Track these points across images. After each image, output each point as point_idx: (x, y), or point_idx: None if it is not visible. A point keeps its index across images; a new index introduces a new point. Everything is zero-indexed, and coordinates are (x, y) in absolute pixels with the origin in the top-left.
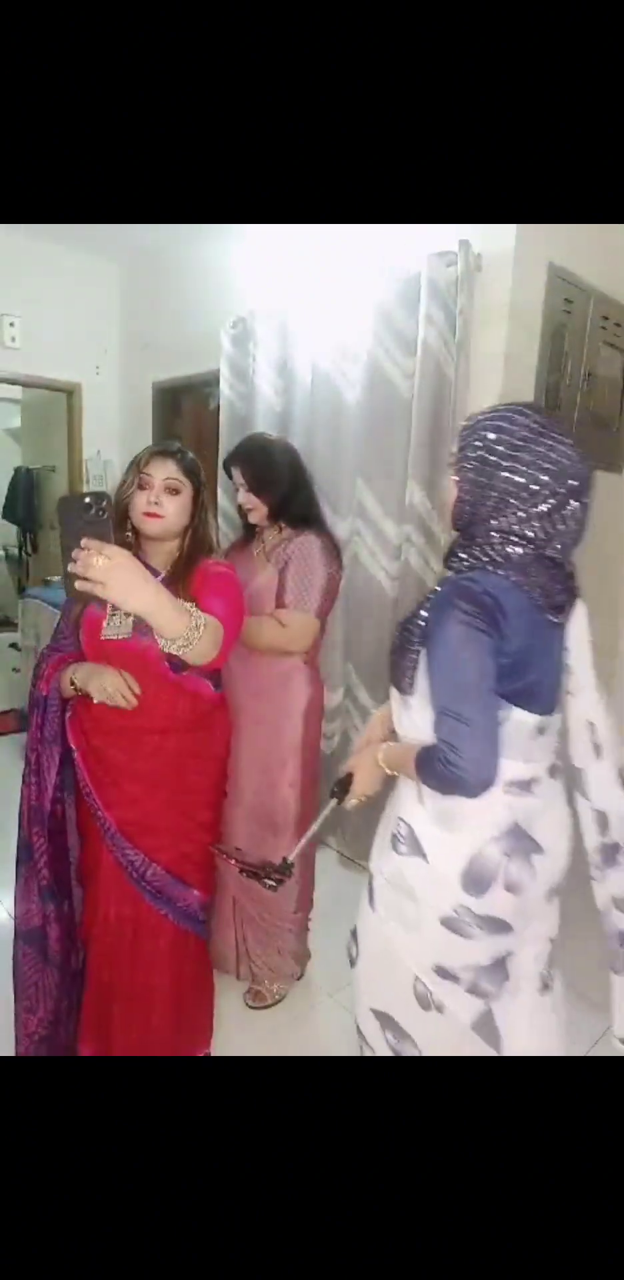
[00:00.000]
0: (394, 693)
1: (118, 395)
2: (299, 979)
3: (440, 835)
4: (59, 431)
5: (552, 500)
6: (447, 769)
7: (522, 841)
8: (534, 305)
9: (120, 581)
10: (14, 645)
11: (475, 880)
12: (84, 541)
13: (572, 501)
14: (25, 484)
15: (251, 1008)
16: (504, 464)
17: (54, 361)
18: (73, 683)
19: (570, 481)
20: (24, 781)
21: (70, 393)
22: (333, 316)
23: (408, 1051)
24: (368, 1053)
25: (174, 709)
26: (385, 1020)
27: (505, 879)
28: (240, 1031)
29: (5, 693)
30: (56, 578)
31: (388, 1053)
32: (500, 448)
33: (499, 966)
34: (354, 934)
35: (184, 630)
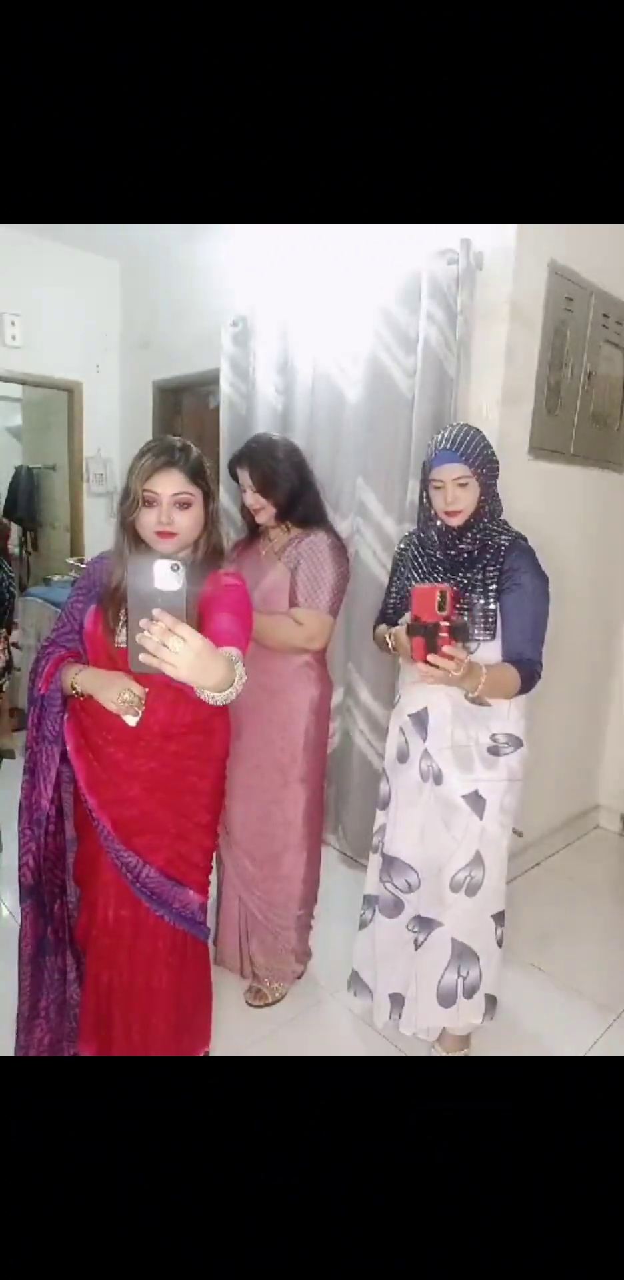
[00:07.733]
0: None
1: (118, 394)
2: (300, 978)
3: (525, 724)
4: (60, 430)
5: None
6: (537, 676)
7: None
8: (535, 303)
9: (194, 666)
10: (15, 644)
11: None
12: (156, 613)
13: None
14: (26, 483)
15: (252, 1006)
16: (498, 471)
17: (55, 360)
18: (74, 687)
19: None
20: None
21: (71, 391)
22: (334, 315)
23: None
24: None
25: (174, 714)
26: (500, 918)
27: None
28: (240, 1031)
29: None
30: (57, 577)
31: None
32: (496, 460)
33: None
34: (471, 861)
35: (229, 687)
